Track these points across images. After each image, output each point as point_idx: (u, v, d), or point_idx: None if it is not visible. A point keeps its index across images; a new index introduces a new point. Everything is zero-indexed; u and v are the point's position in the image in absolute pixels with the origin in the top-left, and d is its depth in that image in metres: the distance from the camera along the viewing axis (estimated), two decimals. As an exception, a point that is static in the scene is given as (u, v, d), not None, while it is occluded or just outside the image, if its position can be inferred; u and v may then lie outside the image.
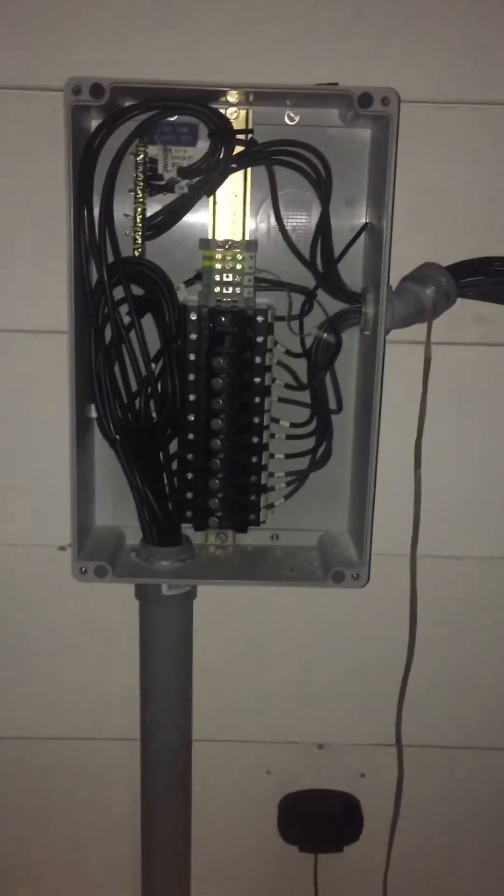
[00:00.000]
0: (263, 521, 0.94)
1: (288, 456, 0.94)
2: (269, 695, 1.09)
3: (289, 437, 0.94)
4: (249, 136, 0.86)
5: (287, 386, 0.93)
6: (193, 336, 0.88)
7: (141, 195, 0.86)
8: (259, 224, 0.90)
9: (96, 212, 0.83)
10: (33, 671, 1.07)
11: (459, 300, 0.91)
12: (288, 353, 0.92)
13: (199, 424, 0.90)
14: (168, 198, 0.87)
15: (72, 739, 1.10)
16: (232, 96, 0.84)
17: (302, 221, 0.89)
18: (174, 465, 0.91)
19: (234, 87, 0.81)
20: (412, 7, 0.89)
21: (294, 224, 0.89)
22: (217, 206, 0.89)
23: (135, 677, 0.99)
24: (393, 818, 1.11)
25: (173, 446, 0.91)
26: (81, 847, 1.15)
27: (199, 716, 1.03)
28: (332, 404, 0.93)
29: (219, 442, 0.91)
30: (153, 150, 0.86)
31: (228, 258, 0.88)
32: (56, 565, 1.01)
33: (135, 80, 0.80)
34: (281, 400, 0.93)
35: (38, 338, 0.96)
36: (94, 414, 0.90)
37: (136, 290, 0.86)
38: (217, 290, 0.88)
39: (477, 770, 1.11)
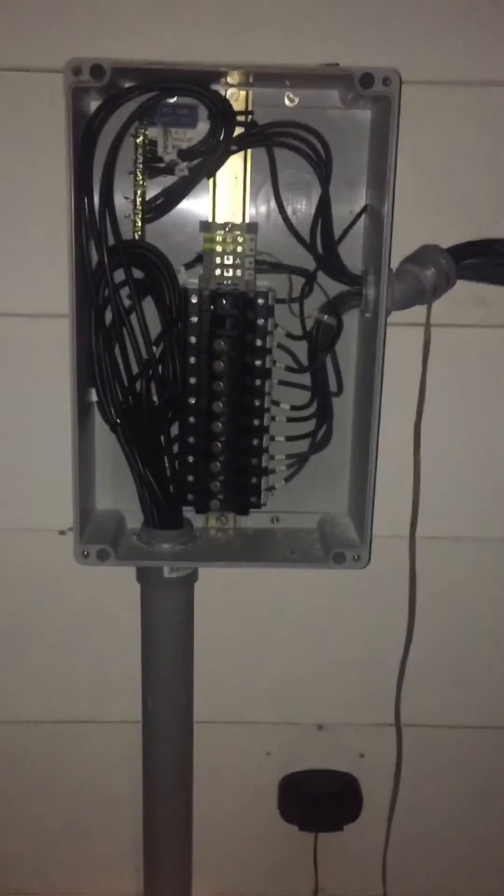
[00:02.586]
0: (264, 504, 0.95)
1: (288, 438, 0.94)
2: (269, 676, 1.10)
3: (289, 419, 0.94)
4: (249, 117, 0.86)
5: (288, 368, 0.93)
6: (194, 319, 0.87)
7: (141, 177, 0.85)
8: (259, 206, 0.90)
9: (96, 195, 0.82)
10: (35, 655, 1.07)
11: (459, 282, 0.91)
12: (288, 335, 0.92)
13: (200, 407, 0.90)
14: (168, 180, 0.87)
15: (73, 723, 1.10)
16: (232, 77, 0.83)
17: (302, 204, 0.89)
18: (175, 449, 0.91)
19: (233, 68, 0.81)
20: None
21: (294, 206, 0.89)
22: (217, 188, 0.88)
23: (136, 660, 0.99)
24: (392, 797, 1.12)
25: (174, 429, 0.91)
26: (83, 829, 1.15)
27: (201, 698, 1.04)
28: (333, 387, 0.93)
29: (220, 425, 0.91)
30: (153, 132, 0.85)
31: (229, 241, 0.87)
32: (57, 549, 1.01)
33: (135, 62, 0.80)
34: (281, 382, 0.93)
35: (38, 321, 0.95)
36: (94, 398, 0.90)
37: (137, 273, 0.86)
38: (217, 272, 0.88)
39: (475, 749, 1.12)
